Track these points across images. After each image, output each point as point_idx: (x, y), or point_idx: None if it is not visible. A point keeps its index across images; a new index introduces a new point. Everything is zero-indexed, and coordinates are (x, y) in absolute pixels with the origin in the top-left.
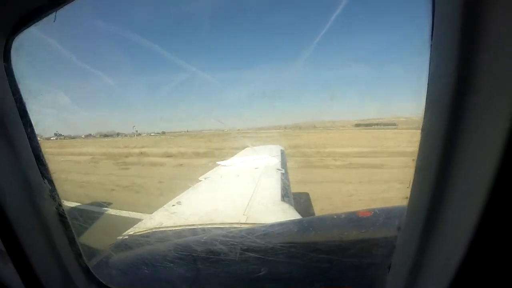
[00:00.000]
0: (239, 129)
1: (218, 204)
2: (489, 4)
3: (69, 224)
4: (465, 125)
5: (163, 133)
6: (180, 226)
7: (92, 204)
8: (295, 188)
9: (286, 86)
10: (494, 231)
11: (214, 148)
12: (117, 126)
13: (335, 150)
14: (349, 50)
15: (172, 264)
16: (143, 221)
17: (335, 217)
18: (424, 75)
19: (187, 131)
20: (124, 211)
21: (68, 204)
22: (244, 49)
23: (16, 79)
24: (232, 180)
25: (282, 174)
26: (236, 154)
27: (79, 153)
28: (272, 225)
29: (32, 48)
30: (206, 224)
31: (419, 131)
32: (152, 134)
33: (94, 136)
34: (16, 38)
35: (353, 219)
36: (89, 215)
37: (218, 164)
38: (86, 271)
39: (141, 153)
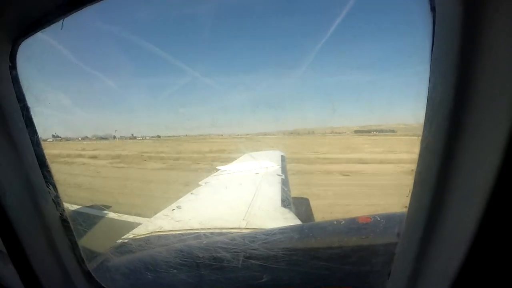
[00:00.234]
0: (238, 134)
1: (218, 208)
2: (489, 5)
3: (70, 226)
4: (464, 134)
5: (159, 136)
6: (180, 230)
7: (91, 206)
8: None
9: (287, 92)
10: (492, 239)
11: (215, 150)
12: (114, 129)
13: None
14: (350, 57)
15: (171, 268)
16: (143, 224)
17: (335, 223)
18: (424, 82)
19: (186, 135)
20: (125, 215)
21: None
22: (245, 55)
23: (21, 83)
24: (232, 185)
25: (282, 179)
26: (236, 159)
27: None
28: (273, 232)
29: (37, 51)
30: (206, 228)
31: (418, 137)
32: (147, 138)
33: (90, 139)
34: (22, 43)
35: (353, 226)
36: (89, 218)
37: (218, 169)
38: (86, 273)
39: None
